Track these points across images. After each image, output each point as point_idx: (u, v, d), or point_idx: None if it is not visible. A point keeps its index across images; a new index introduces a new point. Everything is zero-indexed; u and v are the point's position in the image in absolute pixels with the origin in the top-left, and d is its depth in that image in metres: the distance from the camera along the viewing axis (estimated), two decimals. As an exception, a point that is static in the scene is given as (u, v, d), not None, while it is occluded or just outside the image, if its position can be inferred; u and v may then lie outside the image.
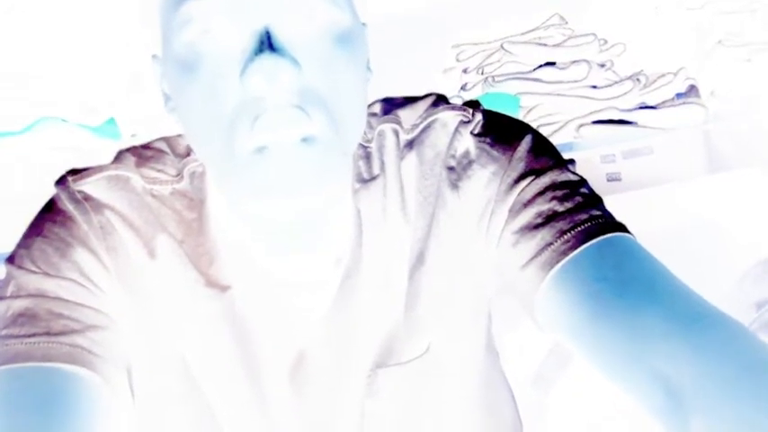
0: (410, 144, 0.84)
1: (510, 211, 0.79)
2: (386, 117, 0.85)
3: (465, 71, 1.69)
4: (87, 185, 0.80)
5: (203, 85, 0.66)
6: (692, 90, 1.59)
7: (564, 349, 0.76)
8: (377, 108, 0.87)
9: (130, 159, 0.83)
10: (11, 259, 0.77)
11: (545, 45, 1.67)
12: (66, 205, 0.79)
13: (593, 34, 1.67)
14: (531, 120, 1.57)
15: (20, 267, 0.76)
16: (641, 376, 0.66)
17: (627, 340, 0.67)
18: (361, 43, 0.73)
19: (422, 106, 0.86)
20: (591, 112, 1.58)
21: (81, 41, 1.59)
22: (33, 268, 0.75)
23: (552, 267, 0.74)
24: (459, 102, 0.88)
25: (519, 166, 0.80)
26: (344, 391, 0.83)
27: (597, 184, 0.83)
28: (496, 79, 1.63)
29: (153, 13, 0.73)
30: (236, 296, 0.80)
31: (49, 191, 0.81)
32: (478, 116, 0.84)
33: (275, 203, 0.68)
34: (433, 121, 0.84)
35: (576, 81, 1.61)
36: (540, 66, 1.64)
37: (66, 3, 1.56)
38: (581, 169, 0.83)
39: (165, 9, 0.70)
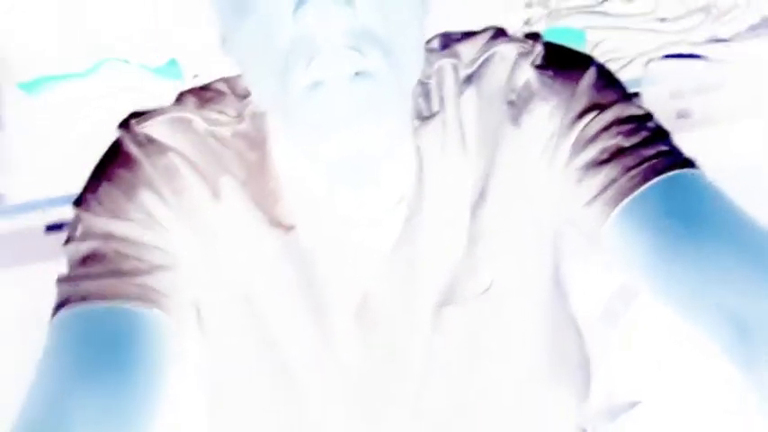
0: (469, 79, 0.82)
1: (573, 146, 0.78)
2: (444, 52, 0.84)
3: (528, 5, 1.65)
4: (150, 128, 0.81)
5: (257, 25, 0.66)
6: (765, 22, 1.54)
7: (632, 285, 0.75)
8: (435, 43, 0.86)
9: (191, 101, 0.83)
10: (78, 202, 0.79)
11: (612, -23, 1.63)
12: (131, 148, 0.80)
13: (663, -35, 1.61)
14: (598, 55, 1.53)
15: (87, 210, 0.77)
16: (708, 311, 0.66)
17: (695, 275, 0.67)
18: None
19: (480, 40, 0.84)
20: (660, 46, 1.53)
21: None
22: (100, 210, 0.77)
23: (618, 204, 0.73)
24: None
25: (582, 99, 0.78)
26: (409, 328, 0.84)
27: (666, 121, 0.80)
28: (561, 13, 1.59)
29: None
30: (300, 235, 0.80)
31: (113, 132, 0.82)
32: (539, 47, 0.82)
33: (332, 138, 0.68)
34: (492, 55, 0.82)
35: (644, 14, 1.57)
36: (607, -2, 1.60)
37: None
38: (650, 106, 0.80)
39: None
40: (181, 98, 0.84)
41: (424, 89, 0.82)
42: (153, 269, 0.76)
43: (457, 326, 0.83)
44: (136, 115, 0.82)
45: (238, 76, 0.84)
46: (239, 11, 0.67)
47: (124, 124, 0.82)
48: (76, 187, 0.80)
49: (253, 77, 0.71)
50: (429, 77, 0.83)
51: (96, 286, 0.73)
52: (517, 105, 0.81)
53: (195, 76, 1.58)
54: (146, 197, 0.78)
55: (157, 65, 1.60)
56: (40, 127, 1.57)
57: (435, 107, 0.82)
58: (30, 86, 1.58)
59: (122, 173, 0.79)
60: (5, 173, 1.51)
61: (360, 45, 0.64)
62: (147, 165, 0.79)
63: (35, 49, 1.59)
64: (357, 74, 0.64)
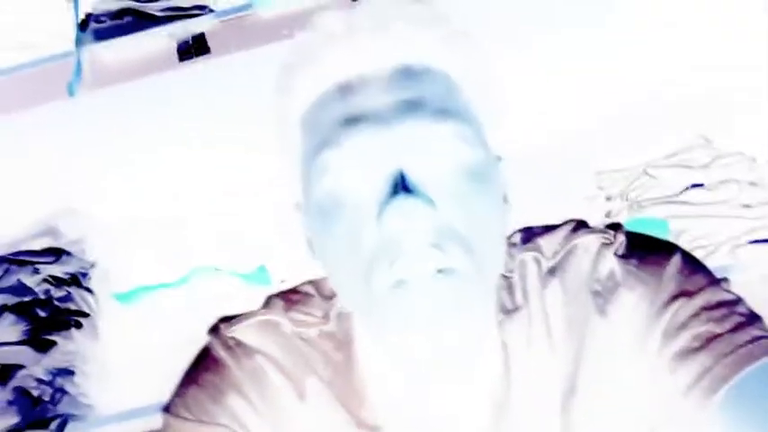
0: (552, 271, 0.82)
1: (664, 335, 0.76)
2: (526, 246, 0.84)
3: (608, 198, 1.66)
4: (238, 332, 0.82)
5: (343, 231, 0.68)
6: None
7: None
8: (516, 238, 0.86)
9: (279, 304, 0.85)
10: (167, 408, 0.80)
11: (691, 167, 1.63)
12: (219, 352, 0.81)
13: (741, 153, 1.62)
14: (682, 243, 1.51)
15: (176, 416, 0.78)
16: None
17: None
18: (495, 177, 0.73)
19: (562, 233, 0.84)
20: (745, 233, 1.52)
21: (230, 191, 1.67)
22: (188, 416, 0.77)
23: (715, 393, 0.70)
24: (602, 228, 0.86)
25: (669, 286, 0.77)
26: None
27: (759, 307, 0.78)
28: (642, 204, 1.60)
29: (294, 162, 0.76)
30: None
31: (204, 339, 0.84)
32: (621, 237, 0.82)
33: (417, 337, 0.68)
34: (574, 247, 0.82)
35: (726, 201, 1.56)
36: (687, 188, 1.60)
37: (217, 154, 1.65)
38: (740, 292, 0.79)
39: (304, 159, 0.73)
40: (269, 301, 0.86)
41: (507, 283, 0.82)
42: None
43: None
44: (225, 320, 0.84)
45: (324, 277, 0.86)
46: (325, 217, 0.69)
47: (213, 329, 0.83)
48: (167, 396, 0.81)
49: (338, 279, 0.73)
50: (512, 271, 0.83)
51: None
52: (603, 296, 0.80)
53: (283, 281, 1.61)
54: (233, 401, 0.78)
55: (247, 271, 1.64)
56: (133, 337, 1.61)
57: (519, 301, 0.81)
58: (125, 297, 1.63)
59: (210, 377, 0.80)
60: (99, 383, 1.53)
61: (442, 243, 0.65)
62: (235, 368, 0.80)
63: (132, 261, 1.66)
64: (440, 271, 0.65)
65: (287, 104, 0.74)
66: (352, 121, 0.67)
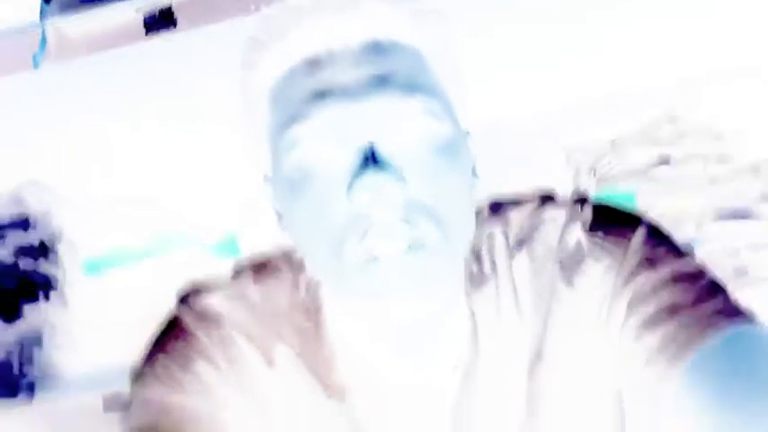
0: (520, 243, 0.83)
1: (629, 305, 0.77)
2: (494, 218, 0.85)
3: (577, 173, 1.68)
4: (207, 300, 0.82)
5: (312, 204, 0.68)
6: (819, 178, 1.54)
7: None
8: (485, 210, 0.87)
9: (248, 273, 0.85)
10: (135, 376, 0.79)
11: (657, 143, 1.65)
12: (187, 320, 0.81)
13: (707, 129, 1.63)
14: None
15: (143, 383, 0.78)
16: None
17: None
18: (464, 151, 0.74)
19: (529, 205, 0.85)
20: (711, 207, 1.53)
21: (201, 162, 1.66)
22: (156, 383, 0.78)
23: (678, 362, 0.71)
24: (569, 201, 0.87)
25: (635, 257, 0.78)
26: None
27: (724, 280, 0.79)
28: (609, 179, 1.61)
29: (262, 136, 0.76)
30: (355, 403, 0.79)
31: (171, 307, 0.84)
32: (588, 209, 0.83)
33: (388, 305, 0.69)
34: (542, 218, 0.83)
35: (692, 177, 1.58)
36: (655, 164, 1.61)
37: (184, 127, 1.64)
38: (706, 265, 0.80)
39: (272, 132, 0.73)
40: (238, 270, 0.86)
41: (476, 254, 0.83)
42: None
43: None
44: (193, 288, 0.84)
45: (294, 248, 0.86)
46: (295, 191, 0.69)
47: (181, 297, 0.83)
48: (135, 364, 0.81)
49: (308, 251, 0.73)
50: (480, 243, 0.83)
51: None
52: (570, 266, 0.81)
53: (251, 251, 1.61)
54: (201, 367, 0.78)
55: (216, 241, 1.64)
56: (101, 306, 1.60)
57: (487, 272, 0.82)
58: (93, 267, 1.62)
59: (178, 345, 0.80)
60: (67, 351, 1.53)
61: (412, 217, 0.65)
62: (203, 336, 0.80)
63: (99, 231, 1.65)
64: (410, 246, 0.66)
65: (254, 79, 0.74)
66: (321, 95, 0.67)
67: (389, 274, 0.66)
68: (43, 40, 1.61)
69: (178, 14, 1.66)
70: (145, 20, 1.65)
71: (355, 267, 0.67)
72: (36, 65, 1.62)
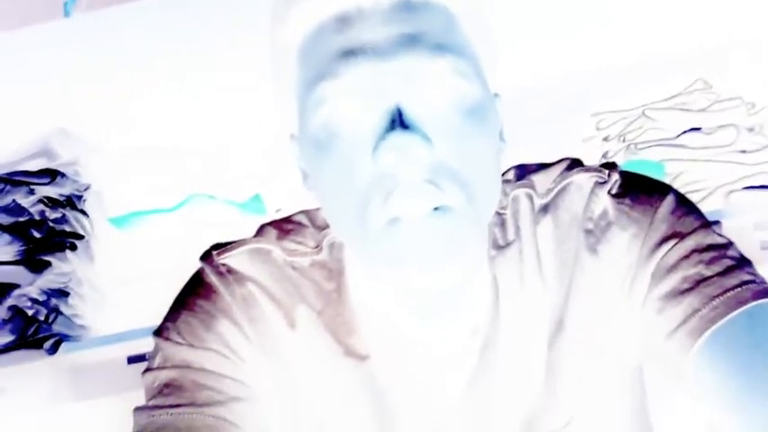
0: (545, 208, 0.82)
1: (653, 275, 0.76)
2: (519, 183, 0.84)
3: (605, 139, 1.66)
4: (230, 259, 0.83)
5: (338, 163, 0.68)
6: None
7: (717, 423, 0.72)
8: (510, 175, 0.86)
9: (272, 233, 0.85)
10: (158, 332, 0.81)
11: (689, 110, 1.62)
12: (211, 278, 0.82)
13: (740, 98, 1.61)
14: (678, 187, 1.50)
15: (166, 339, 0.79)
16: None
17: None
18: (492, 114, 0.73)
19: (556, 170, 0.85)
20: (741, 178, 1.51)
21: (228, 118, 1.66)
22: (179, 340, 0.78)
23: (701, 335, 0.71)
24: (597, 169, 0.86)
25: (661, 227, 0.78)
26: None
27: (751, 253, 0.79)
28: (639, 146, 1.59)
29: (290, 94, 0.75)
30: (375, 366, 0.80)
31: (196, 265, 0.85)
32: (615, 176, 0.82)
33: (411, 273, 0.69)
34: (568, 184, 0.83)
35: (723, 146, 1.56)
36: (685, 131, 1.59)
37: (213, 80, 1.63)
38: (733, 238, 0.79)
39: (300, 91, 0.72)
40: (261, 230, 0.87)
41: (500, 219, 0.83)
42: (228, 400, 0.76)
43: None
44: (217, 247, 0.84)
45: (318, 208, 0.86)
46: (320, 149, 0.69)
47: (206, 256, 0.84)
48: (159, 320, 0.82)
49: (332, 211, 0.73)
50: (504, 207, 0.83)
51: (172, 418, 0.74)
52: (595, 234, 0.80)
53: (278, 210, 1.62)
54: (223, 327, 0.79)
55: (242, 200, 1.64)
56: (127, 261, 1.61)
57: (511, 236, 0.82)
58: (120, 221, 1.63)
59: (202, 303, 0.81)
60: (93, 305, 1.54)
61: (437, 179, 0.65)
62: (227, 295, 0.80)
63: (127, 185, 1.66)
64: (435, 209, 0.65)
65: (283, 35, 0.73)
66: (350, 53, 0.67)
67: (413, 238, 0.66)
68: (74, -11, 1.61)
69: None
70: (176, -31, 1.64)
71: (379, 232, 0.66)
72: (67, 13, 1.61)
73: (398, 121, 0.64)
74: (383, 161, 0.64)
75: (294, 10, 0.72)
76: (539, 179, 0.84)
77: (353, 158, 0.67)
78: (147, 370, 0.79)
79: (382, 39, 0.66)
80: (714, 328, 0.70)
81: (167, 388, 0.76)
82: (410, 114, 0.65)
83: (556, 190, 0.83)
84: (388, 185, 0.65)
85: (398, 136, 0.64)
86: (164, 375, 0.77)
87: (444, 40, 0.68)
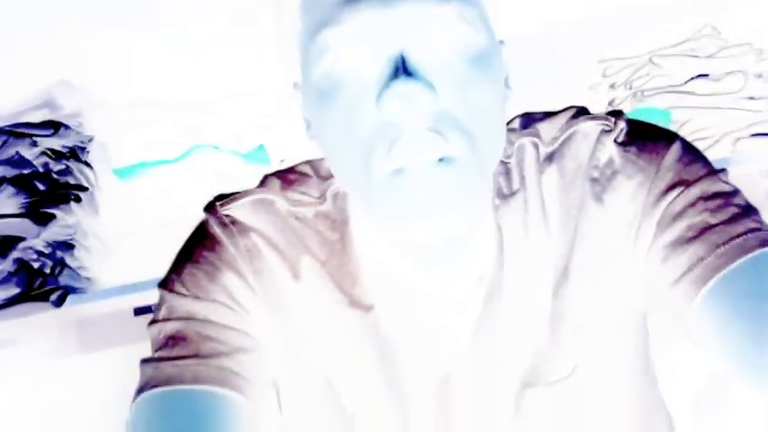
0: (550, 157, 0.82)
1: (659, 224, 0.76)
2: (524, 131, 0.84)
3: (612, 86, 1.65)
4: (234, 210, 0.83)
5: (341, 112, 0.67)
6: None
7: (721, 371, 0.72)
8: (516, 123, 0.86)
9: (275, 183, 0.85)
10: (163, 283, 0.81)
11: (697, 57, 1.61)
12: (215, 229, 0.82)
13: (749, 44, 1.59)
14: (685, 134, 1.50)
15: (171, 291, 0.79)
16: None
17: None
18: (497, 62, 0.72)
19: (562, 119, 0.84)
20: (749, 125, 1.51)
21: (231, 70, 1.65)
22: (184, 291, 0.79)
23: (706, 283, 0.71)
24: (604, 116, 0.86)
25: (667, 175, 0.77)
26: (490, 412, 0.82)
27: (758, 201, 0.78)
28: (646, 94, 1.58)
29: (292, 42, 0.74)
30: (379, 316, 0.80)
31: (201, 216, 0.84)
32: (621, 124, 0.81)
33: (415, 226, 0.68)
34: (574, 133, 0.82)
35: (731, 93, 1.55)
36: (693, 78, 1.58)
37: (214, 34, 1.62)
38: (740, 185, 0.79)
39: (302, 39, 0.72)
40: (265, 180, 0.86)
41: (505, 168, 0.82)
42: (233, 351, 0.76)
43: (540, 410, 0.81)
44: (221, 198, 0.84)
45: (322, 158, 0.86)
46: (323, 98, 0.69)
47: (209, 206, 0.84)
48: (165, 271, 0.83)
49: (336, 161, 0.73)
50: (509, 156, 0.83)
51: (177, 369, 0.74)
52: (600, 183, 0.80)
53: (282, 160, 1.62)
54: (228, 279, 0.79)
55: (246, 150, 1.64)
56: (132, 212, 1.61)
57: (516, 185, 0.81)
58: (124, 172, 1.63)
59: (206, 254, 0.81)
60: (98, 257, 1.55)
61: (442, 128, 0.64)
62: (230, 246, 0.80)
63: (130, 137, 1.65)
64: (440, 160, 0.65)
65: None
66: None
67: (417, 189, 0.65)
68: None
69: None
70: None
71: (382, 183, 0.66)
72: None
73: (402, 69, 0.64)
74: (387, 109, 0.64)
75: None
76: (544, 128, 0.84)
77: (357, 107, 0.66)
78: (153, 322, 0.79)
79: None
80: (719, 276, 0.70)
81: (172, 340, 0.77)
82: (414, 62, 0.64)
83: (561, 138, 0.82)
84: (392, 134, 0.65)
85: (402, 84, 0.63)
86: (169, 327, 0.78)
87: None
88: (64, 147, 1.57)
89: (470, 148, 0.66)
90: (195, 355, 0.75)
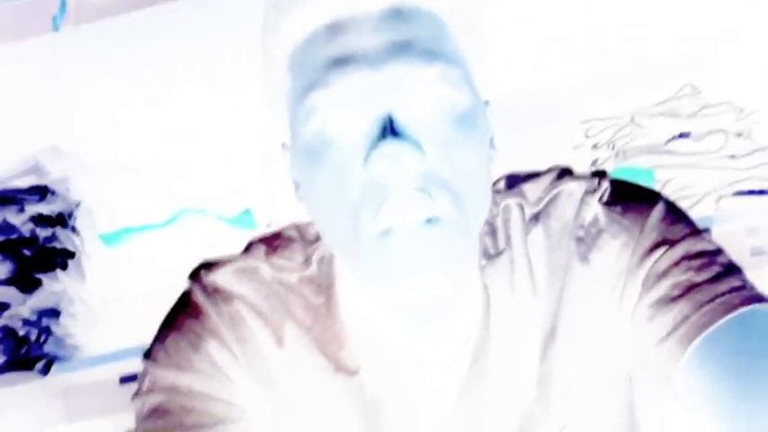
0: (536, 217, 0.83)
1: (644, 283, 0.76)
2: (510, 192, 0.84)
3: (595, 146, 1.66)
4: (218, 277, 0.82)
5: (329, 173, 0.68)
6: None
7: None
8: (501, 184, 0.87)
9: (260, 249, 0.85)
10: (147, 354, 0.81)
11: (678, 116, 1.63)
12: (198, 298, 0.81)
13: (728, 102, 1.61)
14: (668, 193, 1.50)
15: (154, 362, 0.79)
16: None
17: None
18: (482, 122, 0.73)
19: (546, 179, 0.85)
20: (731, 183, 1.52)
21: (217, 133, 1.66)
22: (167, 362, 0.78)
23: (692, 342, 0.71)
24: (587, 176, 0.87)
25: (651, 235, 0.78)
26: None
27: (741, 259, 0.79)
28: (628, 153, 1.59)
29: (281, 103, 0.75)
30: (365, 379, 0.80)
31: (186, 283, 0.84)
32: (605, 184, 0.82)
33: (402, 285, 0.69)
34: (559, 193, 0.83)
35: (712, 152, 1.56)
36: (674, 137, 1.60)
37: (203, 95, 1.63)
38: (723, 243, 0.79)
39: (291, 100, 0.73)
40: (250, 247, 0.86)
41: (491, 228, 0.83)
42: (216, 423, 0.76)
43: None
44: (205, 265, 0.84)
45: (309, 222, 0.86)
46: (312, 158, 0.69)
47: (194, 274, 0.84)
48: (151, 338, 0.82)
49: (324, 222, 0.73)
50: (495, 216, 0.83)
51: None
52: (585, 242, 0.80)
53: (268, 224, 1.62)
54: (211, 347, 0.79)
55: (232, 214, 1.64)
56: (119, 278, 1.61)
57: (502, 246, 0.82)
58: (111, 238, 1.63)
59: (189, 323, 0.80)
60: (85, 324, 1.54)
61: (428, 188, 0.65)
62: (213, 314, 0.80)
63: (117, 202, 1.65)
64: (428, 221, 0.65)
65: (275, 43, 0.73)
66: (341, 61, 0.67)
67: (404, 249, 0.66)
68: (63, 3, 1.60)
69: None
70: (165, -18, 1.64)
71: (370, 244, 0.66)
72: (56, 27, 1.61)
73: (389, 129, 0.64)
74: (374, 170, 0.64)
75: (286, 18, 0.72)
76: (529, 188, 0.85)
77: (345, 167, 0.67)
78: (137, 394, 0.79)
79: (373, 47, 0.67)
80: (704, 334, 0.70)
81: (156, 412, 0.76)
82: (401, 122, 0.65)
83: (546, 199, 0.83)
84: (380, 195, 0.65)
85: (390, 144, 0.64)
86: (152, 399, 0.77)
87: (434, 48, 0.68)
88: (51, 212, 1.57)
89: (457, 208, 0.67)
90: (177, 428, 0.75)
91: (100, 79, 1.64)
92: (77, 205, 1.63)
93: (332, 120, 0.68)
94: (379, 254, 0.67)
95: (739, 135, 1.57)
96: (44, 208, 1.58)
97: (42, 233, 1.54)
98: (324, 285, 0.82)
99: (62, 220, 1.58)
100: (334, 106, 0.67)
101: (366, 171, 0.65)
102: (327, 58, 0.68)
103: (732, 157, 1.55)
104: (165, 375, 0.77)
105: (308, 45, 0.70)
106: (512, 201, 0.84)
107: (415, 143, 0.64)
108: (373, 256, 0.67)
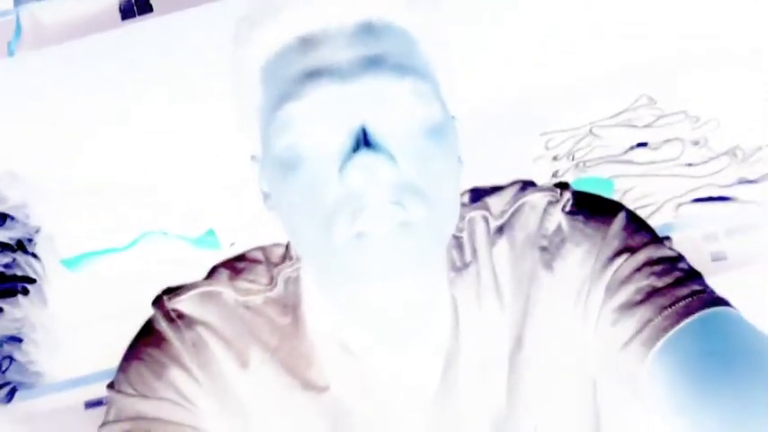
0: (500, 229, 0.84)
1: (607, 289, 0.78)
2: (475, 205, 0.85)
3: (555, 158, 1.68)
4: (181, 303, 0.82)
5: (303, 183, 0.68)
6: (793, 161, 1.54)
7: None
8: (465, 197, 0.88)
9: (224, 274, 0.85)
10: (111, 384, 0.80)
11: (635, 126, 1.65)
12: (161, 325, 0.81)
13: (684, 112, 1.64)
14: (628, 202, 1.54)
15: (119, 392, 0.78)
16: None
17: (733, 421, 0.64)
18: (452, 136, 0.74)
19: (509, 192, 0.86)
20: (689, 191, 1.54)
21: (178, 154, 1.65)
22: (131, 391, 0.78)
23: (654, 344, 0.72)
24: (549, 187, 0.88)
25: (613, 243, 0.79)
26: None
27: (701, 265, 0.81)
28: (588, 164, 1.61)
29: (252, 115, 0.75)
30: (335, 396, 0.80)
31: (150, 307, 0.84)
32: (567, 194, 0.84)
33: (372, 289, 0.70)
34: (522, 205, 0.84)
35: (670, 160, 1.58)
36: (632, 147, 1.62)
37: (161, 117, 1.63)
38: (684, 250, 0.81)
39: (263, 112, 0.73)
40: (213, 271, 0.86)
41: (457, 241, 0.84)
42: None
43: None
44: (168, 291, 0.84)
45: (273, 244, 0.86)
46: (285, 170, 0.69)
47: (156, 301, 0.83)
48: (116, 363, 0.81)
49: (296, 228, 0.73)
50: (461, 230, 0.84)
51: None
52: (549, 251, 0.81)
53: (232, 244, 1.61)
54: (174, 374, 0.79)
55: (196, 235, 1.64)
56: (81, 303, 1.59)
57: (468, 258, 0.83)
58: (72, 263, 1.61)
59: (152, 351, 0.80)
60: (47, 350, 1.52)
61: (403, 199, 0.66)
62: (176, 341, 0.80)
63: (78, 226, 1.64)
64: (401, 225, 0.66)
65: (246, 55, 0.74)
66: (314, 75, 0.67)
67: (377, 251, 0.66)
68: (18, 27, 1.59)
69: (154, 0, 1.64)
70: (121, 5, 1.63)
71: (345, 244, 0.67)
72: (11, 52, 1.60)
73: (363, 141, 0.65)
74: (350, 181, 0.65)
75: (258, 31, 0.72)
76: (493, 201, 0.86)
77: (319, 178, 0.68)
78: (104, 424, 0.78)
79: (346, 60, 0.67)
80: (667, 336, 0.72)
81: None
82: (374, 134, 0.66)
83: (510, 211, 0.84)
84: (355, 205, 0.66)
85: (364, 155, 0.64)
86: (117, 429, 0.76)
87: (405, 63, 0.69)
88: (10, 239, 1.55)
89: (430, 215, 0.68)
90: None
91: (56, 103, 1.63)
92: (37, 231, 1.62)
93: (305, 132, 0.68)
94: (353, 254, 0.67)
95: (696, 143, 1.60)
96: (2, 235, 1.56)
97: (2, 259, 1.52)
98: (290, 306, 0.82)
99: (22, 246, 1.56)
100: (306, 119, 0.68)
101: (341, 182, 0.66)
102: (300, 70, 0.68)
103: (689, 165, 1.57)
104: (130, 404, 0.77)
105: (280, 58, 0.70)
106: (477, 214, 0.85)
107: (389, 155, 0.65)
108: (346, 256, 0.68)
